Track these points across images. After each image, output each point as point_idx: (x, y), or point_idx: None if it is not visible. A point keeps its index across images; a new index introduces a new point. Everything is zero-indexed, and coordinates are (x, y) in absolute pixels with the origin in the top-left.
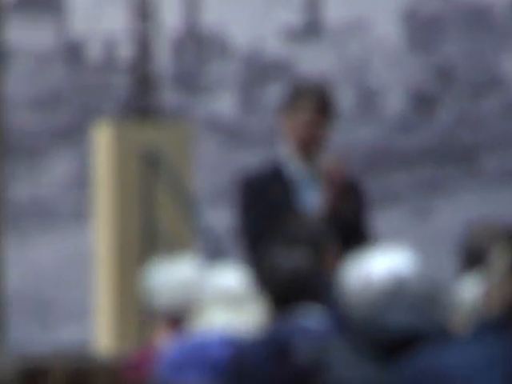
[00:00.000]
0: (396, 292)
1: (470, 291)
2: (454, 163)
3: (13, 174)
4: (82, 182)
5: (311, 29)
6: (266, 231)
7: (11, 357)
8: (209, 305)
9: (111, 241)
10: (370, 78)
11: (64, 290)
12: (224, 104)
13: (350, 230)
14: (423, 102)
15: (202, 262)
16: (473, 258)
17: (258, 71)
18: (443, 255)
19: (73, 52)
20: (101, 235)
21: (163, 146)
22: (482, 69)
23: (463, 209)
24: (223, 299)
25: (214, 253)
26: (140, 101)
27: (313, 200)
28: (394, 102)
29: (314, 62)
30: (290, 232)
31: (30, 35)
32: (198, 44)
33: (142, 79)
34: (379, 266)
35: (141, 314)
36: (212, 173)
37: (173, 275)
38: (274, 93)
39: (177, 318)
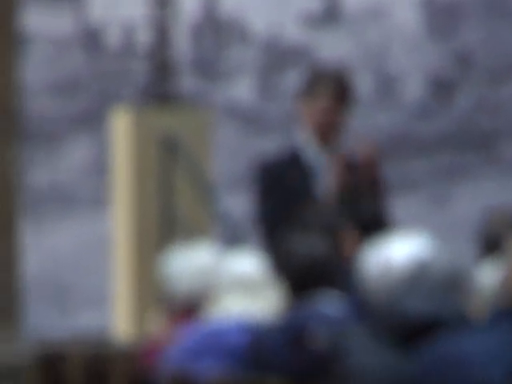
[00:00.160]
0: (416, 277)
1: (488, 277)
2: (473, 150)
3: (31, 160)
4: (100, 168)
5: (330, 15)
6: (284, 217)
7: (29, 343)
8: (226, 291)
9: (129, 227)
10: (388, 63)
11: (82, 276)
12: (242, 90)
13: (369, 217)
14: (442, 88)
15: (220, 248)
16: (491, 244)
17: (277, 57)
18: (461, 242)
19: (91, 38)
20: (119, 221)
21: (181, 132)
22: (501, 55)
23: (482, 196)
24: (240, 285)
25: (231, 239)
26: (158, 87)
27: (330, 185)
28: (413, 88)
29: (332, 47)
30: (307, 218)
31: (48, 21)
32: (217, 30)
33: (161, 65)
34: (399, 251)
35: (159, 300)
36: (230, 159)
37: (191, 261)
38: (292, 79)
39: (194, 305)
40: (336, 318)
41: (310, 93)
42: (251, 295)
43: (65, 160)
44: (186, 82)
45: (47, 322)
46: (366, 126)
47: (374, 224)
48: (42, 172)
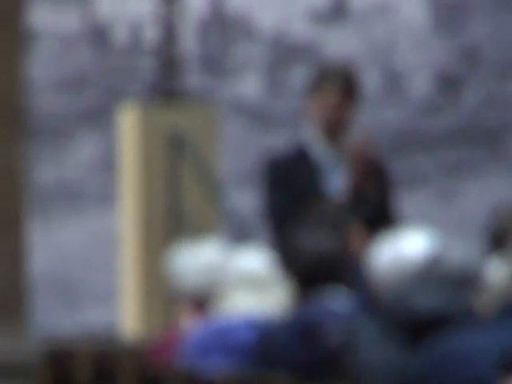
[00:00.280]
0: (428, 273)
1: (495, 273)
2: (480, 145)
3: (38, 157)
4: (107, 164)
5: (337, 11)
6: (291, 213)
7: (37, 339)
8: (234, 287)
9: (137, 223)
10: (395, 59)
11: (90, 273)
12: (249, 86)
13: (376, 212)
14: (449, 84)
15: (227, 244)
16: (498, 240)
17: (284, 53)
18: (469, 238)
19: (99, 34)
20: (126, 218)
21: (189, 129)
22: (509, 49)
23: (489, 191)
24: (248, 282)
25: (239, 235)
26: (166, 83)
27: (338, 182)
28: (420, 84)
29: (339, 44)
30: (315, 214)
31: (55, 18)
32: (224, 26)
33: (168, 62)
34: (412, 246)
35: (166, 296)
36: (237, 155)
37: (198, 258)
38: (299, 75)
39: (202, 301)
40: (344, 314)
41: (317, 89)
42: (259, 292)
43: (72, 156)
44: (193, 78)
45: (55, 318)
46: (373, 122)
47: (380, 220)
48: (49, 169)
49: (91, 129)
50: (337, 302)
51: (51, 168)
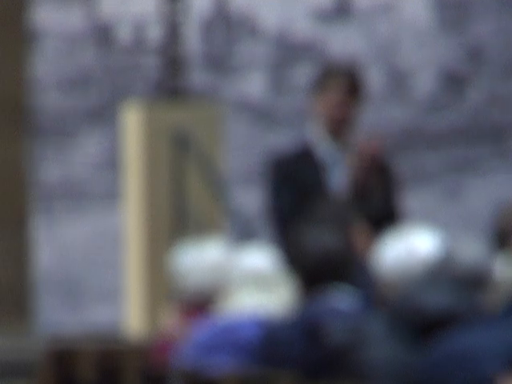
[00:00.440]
0: (439, 271)
1: (500, 271)
2: (485, 143)
3: (43, 155)
4: (112, 163)
5: (341, 9)
6: (296, 212)
7: (41, 338)
8: (238, 286)
9: (141, 222)
10: (399, 58)
11: (94, 271)
12: (254, 85)
13: (381, 210)
14: (454, 82)
15: (232, 243)
16: (503, 238)
17: (288, 52)
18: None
19: (103, 33)
20: (131, 216)
21: (193, 127)
22: None
23: (494, 189)
24: (253, 280)
25: (243, 234)
26: (170, 82)
27: (343, 180)
28: (425, 82)
29: (343, 42)
30: (320, 212)
31: (60, 17)
32: (228, 25)
33: (172, 60)
34: (423, 244)
35: (170, 295)
36: (242, 154)
37: (202, 257)
38: (303, 74)
39: (206, 300)
40: (349, 312)
41: (321, 88)
42: (264, 290)
43: (77, 155)
44: (197, 77)
45: (59, 316)
46: (377, 120)
47: (385, 217)
48: (53, 167)
49: (96, 127)
50: (342, 300)
51: (56, 166)
